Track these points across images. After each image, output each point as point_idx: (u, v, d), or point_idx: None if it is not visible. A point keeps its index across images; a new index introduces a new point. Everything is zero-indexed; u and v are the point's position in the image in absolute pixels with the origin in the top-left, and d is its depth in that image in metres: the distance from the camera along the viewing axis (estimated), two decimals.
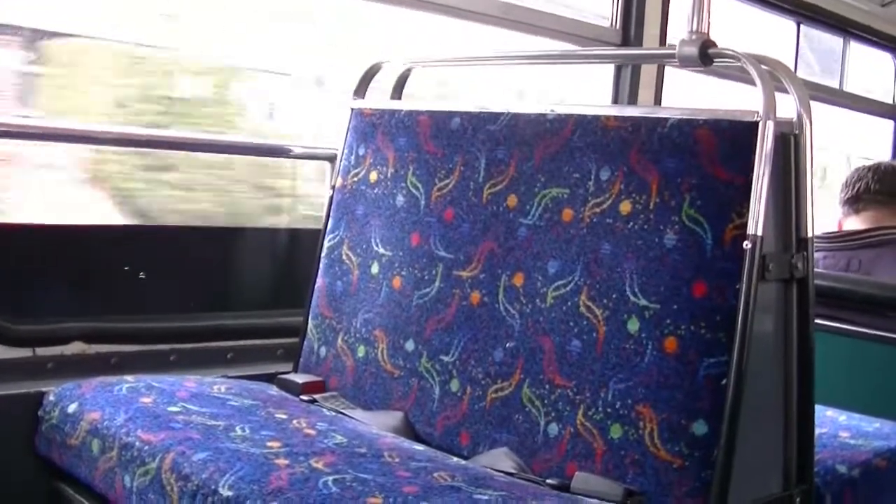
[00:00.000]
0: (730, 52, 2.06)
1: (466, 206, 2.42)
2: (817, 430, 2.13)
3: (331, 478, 1.90)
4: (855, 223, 3.85)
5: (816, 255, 3.00)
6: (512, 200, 2.32)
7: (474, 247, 2.37)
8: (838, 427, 2.65)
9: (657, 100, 4.14)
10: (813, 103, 2.01)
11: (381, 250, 2.59)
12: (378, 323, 2.56)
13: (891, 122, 6.10)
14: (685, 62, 2.11)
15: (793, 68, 4.50)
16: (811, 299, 2.01)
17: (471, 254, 2.38)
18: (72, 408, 2.35)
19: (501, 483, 2.01)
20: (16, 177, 3.08)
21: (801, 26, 5.27)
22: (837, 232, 3.86)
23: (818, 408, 2.10)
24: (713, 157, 1.98)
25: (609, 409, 2.04)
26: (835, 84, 5.67)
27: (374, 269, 2.60)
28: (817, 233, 2.26)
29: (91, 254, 2.90)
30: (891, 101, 6.04)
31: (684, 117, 2.05)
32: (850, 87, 5.74)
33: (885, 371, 3.19)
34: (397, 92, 2.85)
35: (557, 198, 2.23)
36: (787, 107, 1.98)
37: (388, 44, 3.52)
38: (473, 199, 2.41)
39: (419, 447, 2.25)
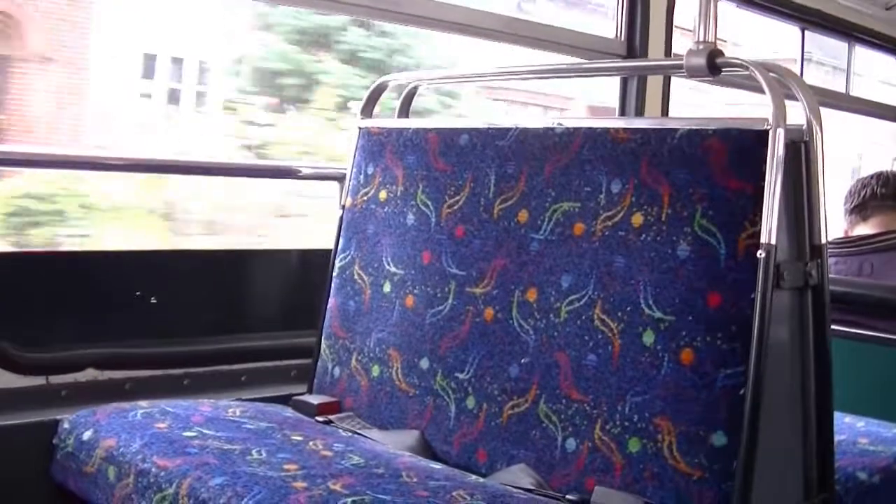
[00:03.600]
0: (738, 62, 2.05)
1: (477, 222, 2.41)
2: (836, 437, 2.12)
3: (349, 500, 1.90)
4: (864, 230, 3.85)
5: (829, 260, 3.00)
6: (523, 215, 2.32)
7: (486, 263, 2.37)
8: (857, 433, 2.64)
9: (664, 110, 4.14)
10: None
11: (393, 269, 2.59)
12: (392, 342, 2.55)
13: None
14: (693, 72, 2.10)
15: (799, 74, 4.52)
16: (827, 306, 2.00)
17: (483, 270, 2.38)
18: (87, 435, 2.34)
19: (520, 500, 2.00)
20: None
21: (806, 32, 5.27)
22: (847, 237, 3.86)
23: (836, 414, 2.08)
24: (724, 166, 1.97)
25: (627, 423, 2.03)
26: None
27: (387, 287, 2.59)
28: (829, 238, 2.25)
29: (102, 279, 2.91)
30: None
31: (694, 128, 2.04)
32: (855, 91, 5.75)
33: None
34: (404, 110, 2.85)
35: (569, 212, 2.22)
36: (796, 114, 1.98)
37: None
38: (484, 215, 2.40)
39: (437, 466, 2.24)
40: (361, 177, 2.74)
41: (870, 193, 3.85)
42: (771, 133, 1.90)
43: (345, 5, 3.28)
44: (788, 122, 1.92)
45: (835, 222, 3.94)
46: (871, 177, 3.90)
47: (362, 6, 3.30)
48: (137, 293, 2.91)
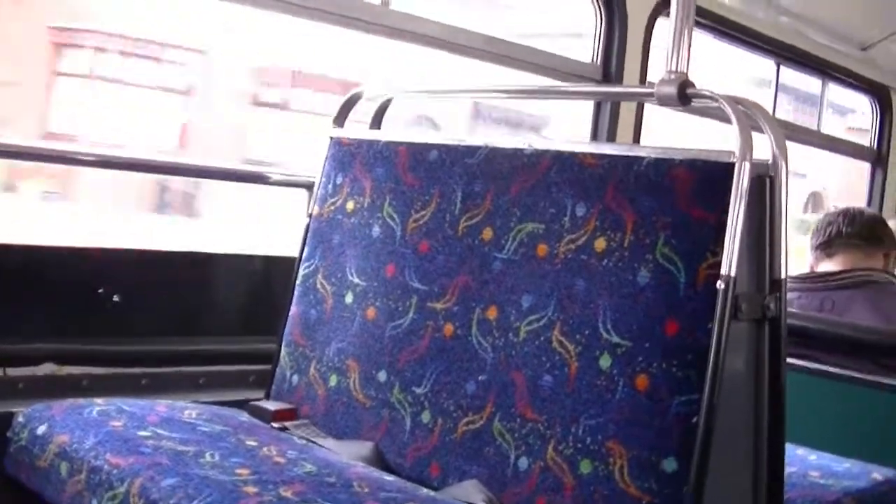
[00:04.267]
0: (707, 94, 2.07)
1: (442, 238, 2.42)
2: (787, 469, 2.13)
3: None
4: (828, 266, 3.88)
5: (790, 294, 3.01)
6: (487, 234, 2.33)
7: (449, 279, 2.38)
8: (808, 466, 2.66)
9: (636, 136, 4.17)
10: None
11: (356, 280, 2.59)
12: (351, 352, 2.56)
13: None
14: (664, 101, 2.12)
15: (771, 108, 4.56)
16: (783, 339, 2.01)
17: (445, 286, 2.38)
18: (41, 429, 2.33)
19: None
20: None
21: (781, 67, 5.32)
22: (811, 273, 3.89)
23: (788, 447, 2.10)
24: (689, 196, 1.99)
25: (579, 445, 2.04)
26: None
27: (349, 298, 2.60)
28: (792, 273, 2.27)
29: (65, 275, 2.90)
30: (867, 144, 6.07)
31: (661, 157, 2.06)
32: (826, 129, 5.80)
33: (856, 412, 3.20)
34: (376, 122, 2.86)
35: (533, 233, 2.23)
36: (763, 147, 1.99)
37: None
38: (449, 231, 2.41)
39: (389, 478, 2.24)
40: (330, 186, 2.74)
41: (835, 231, 3.88)
42: (737, 166, 1.91)
43: (324, 13, 3.29)
44: (756, 155, 1.94)
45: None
46: (839, 213, 3.93)
47: (342, 16, 3.31)
48: (100, 290, 2.91)
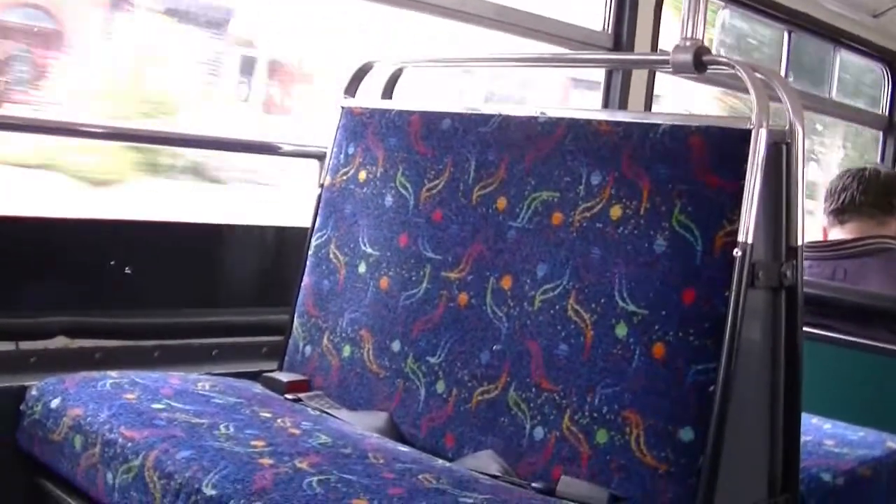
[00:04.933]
0: (724, 60, 2.06)
1: (455, 207, 2.41)
2: (802, 438, 2.12)
3: (315, 478, 1.89)
4: (840, 234, 3.85)
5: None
6: (501, 203, 2.31)
7: (463, 248, 2.37)
8: (823, 435, 2.66)
9: (647, 104, 4.14)
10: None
11: (369, 250, 2.58)
12: (364, 323, 2.55)
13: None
14: (679, 69, 2.10)
15: (783, 75, 4.53)
16: (800, 307, 2.01)
17: (459, 255, 2.37)
18: (54, 403, 2.33)
19: (486, 486, 2.00)
20: None
21: (792, 35, 5.28)
22: (823, 241, 3.86)
23: (804, 416, 2.09)
24: (705, 164, 1.97)
25: (595, 414, 2.03)
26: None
27: (362, 268, 2.59)
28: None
29: (77, 247, 2.89)
30: (880, 112, 6.04)
31: (677, 123, 2.04)
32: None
33: (871, 380, 3.20)
34: (388, 91, 2.84)
35: (547, 201, 2.22)
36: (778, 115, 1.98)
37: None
38: (463, 200, 2.40)
39: (404, 448, 2.24)
40: (342, 156, 2.73)
41: (848, 198, 3.84)
42: (753, 133, 1.90)
43: None
44: (772, 123, 1.92)
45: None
46: (853, 177, 3.87)
47: None
48: (112, 262, 2.90)
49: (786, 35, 5.27)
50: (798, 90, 2.99)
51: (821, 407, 2.75)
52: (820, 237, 3.91)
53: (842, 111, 5.87)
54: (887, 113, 5.99)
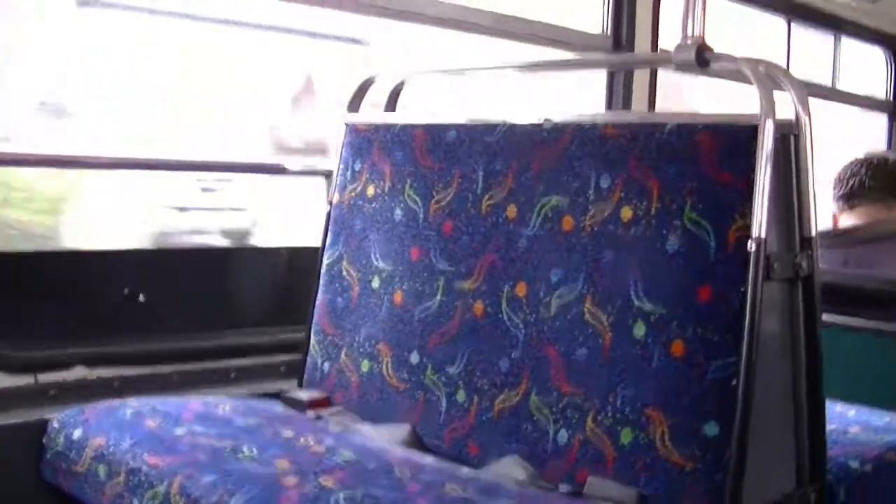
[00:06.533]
0: (727, 56, 2.05)
1: (465, 218, 2.41)
2: (828, 427, 2.12)
3: (342, 495, 1.90)
4: (850, 219, 3.84)
5: None
6: (511, 211, 2.31)
7: (475, 259, 2.37)
8: (848, 422, 2.65)
9: (651, 104, 4.14)
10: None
11: (381, 265, 2.58)
12: (381, 337, 2.55)
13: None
14: (682, 66, 2.11)
15: (785, 66, 4.52)
16: (817, 297, 2.01)
17: (472, 266, 2.37)
18: (76, 434, 2.33)
19: (513, 492, 2.00)
20: None
21: (792, 24, 5.27)
22: (832, 230, 3.86)
23: (827, 404, 2.09)
24: (713, 160, 1.97)
25: (618, 415, 2.03)
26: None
27: (375, 283, 2.59)
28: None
29: (90, 278, 2.90)
30: (884, 97, 6.03)
31: (683, 123, 2.04)
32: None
33: (892, 364, 3.19)
34: (391, 105, 2.84)
35: (557, 207, 2.22)
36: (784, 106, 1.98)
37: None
38: (472, 210, 2.40)
39: (428, 460, 2.24)
40: (349, 173, 2.73)
41: (857, 184, 3.83)
42: (760, 126, 1.90)
43: (334, 0, 3.27)
44: (777, 115, 1.92)
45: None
46: (861, 164, 3.87)
47: (351, 0, 3.30)
48: (126, 291, 2.91)
49: (786, 24, 5.27)
50: (802, 80, 2.97)
51: (844, 394, 2.74)
52: (830, 225, 3.91)
53: (847, 98, 5.85)
54: (892, 97, 5.99)
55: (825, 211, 3.86)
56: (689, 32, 2.10)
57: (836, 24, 5.53)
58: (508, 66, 2.93)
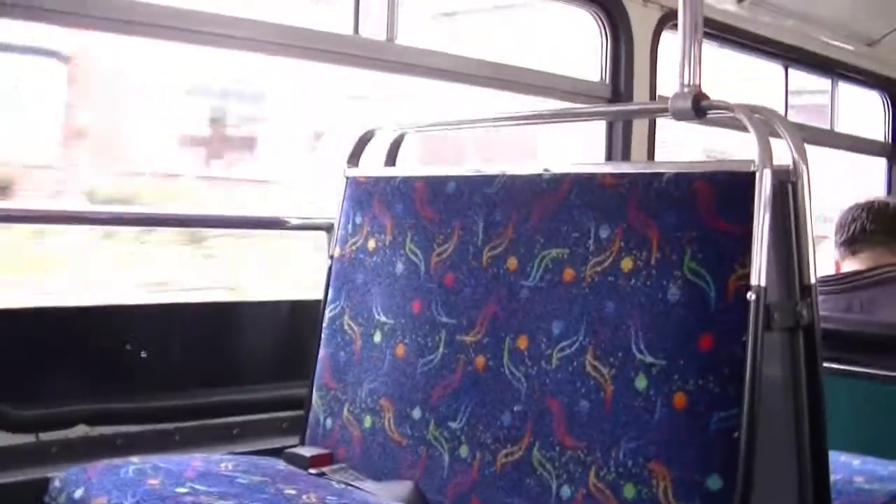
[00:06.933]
0: (723, 104, 2.05)
1: (467, 270, 2.41)
2: (832, 477, 2.10)
3: None
4: (853, 265, 3.83)
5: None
6: (512, 263, 2.31)
7: (477, 311, 2.36)
8: (853, 472, 2.63)
9: (650, 152, 4.16)
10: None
11: (383, 318, 2.58)
12: (383, 392, 2.54)
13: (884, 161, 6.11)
14: (679, 116, 2.11)
15: (783, 112, 4.54)
16: (818, 346, 1.99)
17: (473, 318, 2.37)
18: (78, 493, 2.32)
19: None
20: None
21: (789, 70, 5.30)
22: (836, 275, 3.85)
23: (831, 454, 2.07)
24: (711, 208, 1.97)
25: (621, 469, 2.02)
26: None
27: (377, 337, 2.59)
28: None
29: (91, 334, 2.90)
30: (882, 140, 6.05)
31: (680, 171, 2.04)
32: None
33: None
34: (391, 158, 2.85)
35: (558, 258, 2.22)
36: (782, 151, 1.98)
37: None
38: (473, 262, 2.40)
39: None
40: (350, 226, 2.73)
41: (859, 228, 3.83)
42: (757, 174, 1.90)
43: (330, 54, 3.30)
44: (775, 161, 1.92)
45: None
46: (862, 208, 3.87)
47: (347, 55, 3.32)
48: (127, 347, 2.91)
49: (783, 70, 5.29)
50: (799, 125, 2.97)
51: (849, 443, 2.73)
52: (832, 271, 3.90)
53: (845, 142, 5.87)
54: (890, 140, 6.01)
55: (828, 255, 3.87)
56: (686, 81, 2.10)
57: (833, 69, 5.55)
58: (507, 117, 2.94)
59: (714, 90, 2.09)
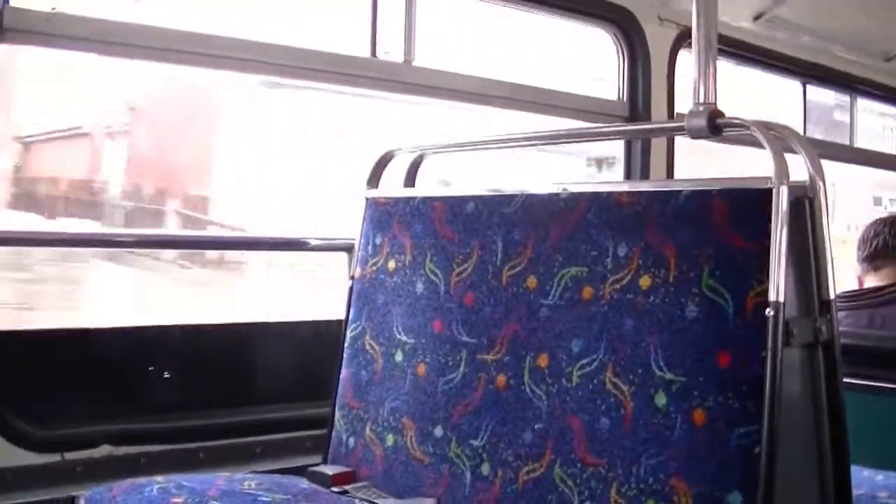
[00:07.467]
0: (738, 122, 2.06)
1: (486, 289, 2.42)
2: (854, 492, 2.09)
3: None
4: (874, 280, 3.82)
5: (838, 314, 2.98)
6: (532, 282, 2.33)
7: (497, 330, 2.37)
8: (875, 487, 2.63)
9: (669, 170, 4.16)
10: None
11: (404, 338, 2.59)
12: (405, 411, 2.56)
13: None
14: (695, 134, 2.12)
15: (801, 129, 4.54)
16: (838, 361, 1.99)
17: (494, 337, 2.38)
18: None
19: None
20: None
21: (808, 87, 5.30)
22: (857, 290, 3.84)
23: (853, 468, 2.07)
24: (728, 226, 1.98)
25: (642, 485, 2.02)
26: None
27: (398, 357, 2.60)
28: (837, 292, 2.24)
29: (115, 355, 2.93)
30: None
31: (697, 189, 2.05)
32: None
33: None
34: (410, 179, 2.87)
35: (577, 276, 2.23)
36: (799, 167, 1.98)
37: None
38: (493, 282, 2.41)
39: None
40: (370, 247, 2.75)
41: (881, 244, 3.82)
42: (774, 191, 1.90)
43: (349, 77, 3.32)
44: (791, 177, 1.93)
45: None
46: (885, 223, 3.86)
47: (366, 77, 3.35)
48: (151, 368, 2.93)
49: (801, 87, 5.29)
50: (817, 140, 2.98)
51: (871, 458, 2.72)
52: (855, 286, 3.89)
53: (863, 157, 5.86)
54: None
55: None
56: (701, 99, 2.11)
57: (851, 85, 5.55)
58: (526, 137, 2.96)
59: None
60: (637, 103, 4.09)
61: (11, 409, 2.65)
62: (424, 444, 2.49)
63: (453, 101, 3.60)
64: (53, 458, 2.69)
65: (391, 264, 2.67)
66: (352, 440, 2.69)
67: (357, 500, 2.48)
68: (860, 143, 5.75)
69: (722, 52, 2.12)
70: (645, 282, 2.09)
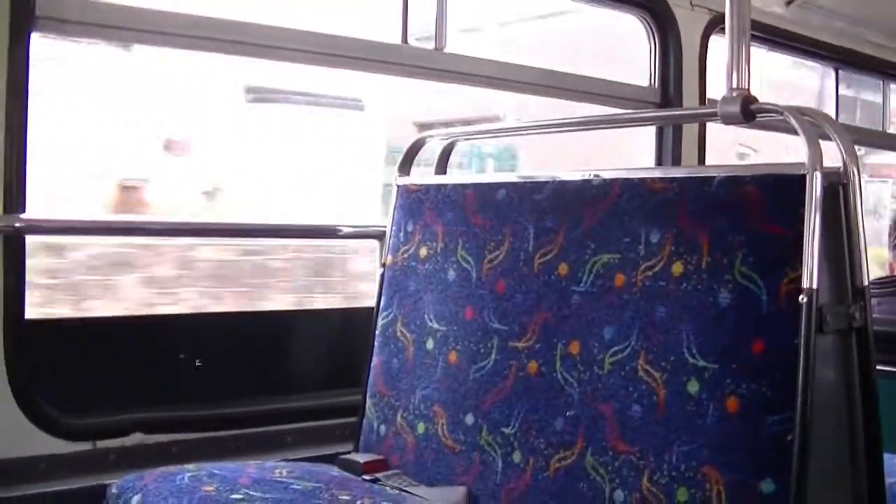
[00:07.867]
0: (772, 107, 2.05)
1: (518, 276, 2.42)
2: (887, 480, 2.08)
3: None
4: None
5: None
6: (563, 269, 2.32)
7: (528, 317, 2.37)
8: None
9: (700, 156, 4.14)
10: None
11: (436, 325, 2.59)
12: (436, 398, 2.55)
13: None
14: (728, 119, 2.10)
15: (834, 115, 4.51)
16: (871, 348, 1.98)
17: (525, 324, 2.37)
18: (135, 500, 2.34)
19: None
20: None
21: (840, 72, 5.26)
22: (890, 277, 3.82)
23: (886, 456, 2.05)
24: (762, 212, 1.97)
25: (674, 473, 2.02)
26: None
27: (430, 344, 2.59)
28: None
29: (147, 344, 2.93)
30: None
31: (730, 175, 2.04)
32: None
33: None
34: (442, 166, 2.86)
35: (608, 263, 2.22)
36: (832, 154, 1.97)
37: None
38: (524, 269, 2.40)
39: None
40: (401, 234, 2.75)
41: None
42: (808, 177, 1.89)
43: (380, 64, 3.32)
44: (825, 163, 1.91)
45: None
46: None
47: (397, 64, 3.34)
48: (182, 356, 2.94)
49: (833, 73, 5.26)
50: (849, 126, 2.95)
51: None
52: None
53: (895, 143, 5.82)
54: None
55: None
56: (734, 84, 2.09)
57: (884, 70, 5.50)
58: (556, 123, 2.94)
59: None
60: (668, 89, 4.06)
61: (43, 398, 2.66)
62: (455, 431, 2.49)
63: (484, 88, 3.59)
64: (85, 446, 2.70)
65: (423, 251, 2.67)
66: (383, 428, 2.69)
67: (388, 488, 2.48)
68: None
69: (754, 38, 2.09)
70: (677, 268, 2.08)
